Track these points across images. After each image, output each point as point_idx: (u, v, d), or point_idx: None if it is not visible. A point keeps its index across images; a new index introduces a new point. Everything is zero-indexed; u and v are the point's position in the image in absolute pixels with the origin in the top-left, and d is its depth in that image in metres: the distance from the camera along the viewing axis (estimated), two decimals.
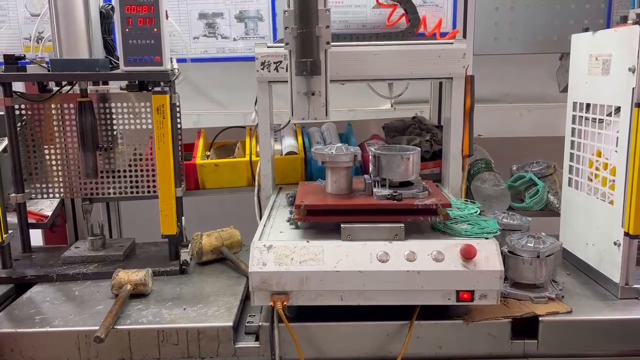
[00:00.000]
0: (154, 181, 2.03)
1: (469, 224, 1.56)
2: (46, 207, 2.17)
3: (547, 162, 2.30)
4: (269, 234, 1.55)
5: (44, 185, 2.02)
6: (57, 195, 2.06)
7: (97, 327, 1.45)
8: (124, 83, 1.96)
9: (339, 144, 1.65)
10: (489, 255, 1.42)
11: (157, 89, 1.77)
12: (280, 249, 1.44)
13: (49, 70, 1.81)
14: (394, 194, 1.51)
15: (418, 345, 1.50)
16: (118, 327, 1.50)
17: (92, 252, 1.95)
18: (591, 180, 1.77)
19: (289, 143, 2.25)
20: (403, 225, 1.47)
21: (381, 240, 1.45)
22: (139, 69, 1.79)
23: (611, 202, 1.65)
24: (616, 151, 1.62)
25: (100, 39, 1.90)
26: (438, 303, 1.43)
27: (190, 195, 2.17)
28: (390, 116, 2.60)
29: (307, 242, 1.46)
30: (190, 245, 1.92)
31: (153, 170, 2.02)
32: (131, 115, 2.00)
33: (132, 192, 2.05)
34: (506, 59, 2.61)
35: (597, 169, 1.74)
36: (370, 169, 1.62)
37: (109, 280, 1.73)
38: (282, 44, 1.62)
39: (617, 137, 1.61)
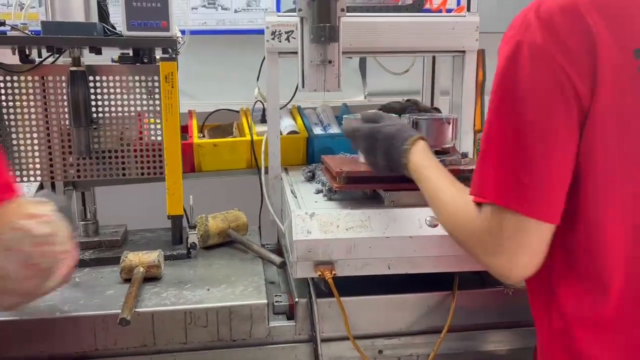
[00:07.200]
0: (147, 162, 1.86)
1: None
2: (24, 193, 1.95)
3: None
4: (305, 204, 1.45)
5: (24, 167, 1.80)
6: (37, 178, 1.85)
7: (115, 312, 1.31)
8: (116, 55, 1.81)
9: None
10: None
11: (164, 55, 1.63)
12: (324, 216, 1.34)
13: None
14: None
15: (459, 316, 1.44)
16: (139, 309, 1.36)
17: (85, 237, 1.76)
18: None
19: (289, 123, 2.15)
20: None
21: (426, 206, 1.39)
22: (144, 34, 1.64)
23: None
24: None
25: (95, 3, 1.73)
26: None
27: (185, 177, 2.01)
28: (363, 108, 2.51)
29: (351, 209, 1.38)
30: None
31: (147, 150, 1.85)
32: (123, 90, 1.82)
33: (122, 175, 1.86)
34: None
35: None
36: None
37: (109, 267, 1.59)
38: (291, 14, 1.54)
39: None
